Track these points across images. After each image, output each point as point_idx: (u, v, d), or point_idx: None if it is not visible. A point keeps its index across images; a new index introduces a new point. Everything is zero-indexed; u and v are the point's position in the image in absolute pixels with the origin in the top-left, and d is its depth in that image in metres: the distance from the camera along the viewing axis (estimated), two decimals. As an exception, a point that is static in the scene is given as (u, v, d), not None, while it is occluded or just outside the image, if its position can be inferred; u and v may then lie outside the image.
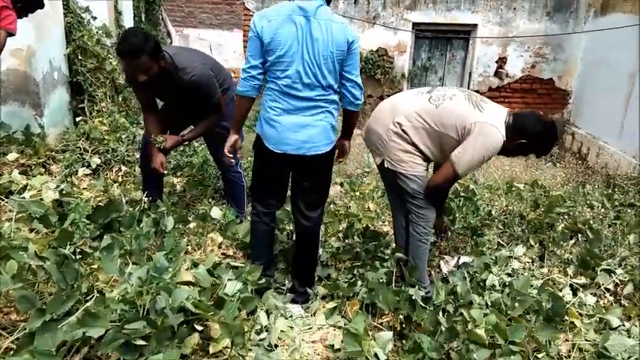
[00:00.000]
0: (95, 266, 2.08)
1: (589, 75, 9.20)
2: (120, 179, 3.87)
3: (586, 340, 2.60)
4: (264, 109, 2.60)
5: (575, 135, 9.27)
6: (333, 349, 2.39)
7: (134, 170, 4.15)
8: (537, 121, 2.69)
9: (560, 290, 3.06)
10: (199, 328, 1.96)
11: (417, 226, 2.81)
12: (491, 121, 2.56)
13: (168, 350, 1.68)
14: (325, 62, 2.42)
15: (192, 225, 3.15)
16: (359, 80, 2.57)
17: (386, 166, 2.77)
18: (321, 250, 3.30)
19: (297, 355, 2.27)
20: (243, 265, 2.77)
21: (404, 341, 2.45)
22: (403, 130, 2.68)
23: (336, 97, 2.59)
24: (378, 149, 2.80)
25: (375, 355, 2.20)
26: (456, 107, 2.64)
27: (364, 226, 3.80)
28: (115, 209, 2.68)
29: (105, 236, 2.26)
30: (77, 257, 2.03)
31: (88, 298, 1.81)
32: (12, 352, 1.65)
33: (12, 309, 1.98)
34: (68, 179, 3.46)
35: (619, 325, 2.79)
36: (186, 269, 2.29)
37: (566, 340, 2.61)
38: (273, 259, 3.03)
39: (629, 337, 2.60)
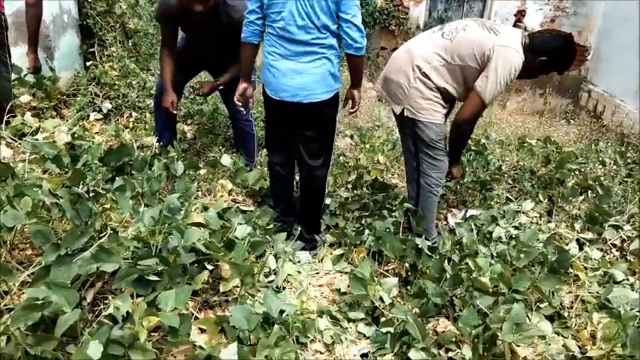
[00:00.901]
0: (108, 206, 2.12)
1: (609, 31, 8.90)
2: (131, 125, 3.88)
3: (589, 292, 2.63)
4: (264, 55, 2.61)
5: (592, 93, 9.08)
6: (339, 293, 2.45)
7: (145, 116, 4.15)
8: (554, 36, 2.69)
9: (567, 244, 3.08)
10: (210, 267, 2.01)
11: (429, 178, 2.82)
12: (509, 43, 2.55)
13: (180, 287, 1.73)
14: (318, 1, 2.38)
15: (202, 171, 3.17)
16: (356, 21, 2.45)
17: (405, 114, 2.75)
18: (329, 200, 3.33)
19: (304, 297, 2.32)
20: (252, 210, 2.80)
21: (409, 287, 2.50)
22: (424, 74, 2.65)
23: (334, 42, 2.54)
24: (398, 98, 2.77)
25: (380, 298, 2.25)
26: (471, 36, 2.61)
27: (373, 177, 3.81)
28: (127, 153, 2.70)
29: (117, 178, 2.28)
30: (90, 196, 2.06)
31: (101, 235, 1.85)
32: (28, 285, 1.71)
33: (27, 245, 2.03)
34: (80, 123, 3.47)
35: (623, 279, 2.82)
36: (197, 212, 2.32)
37: (570, 292, 2.64)
38: (292, 206, 3.06)
39: (633, 291, 2.63)
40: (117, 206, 2.10)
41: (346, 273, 2.68)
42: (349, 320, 2.27)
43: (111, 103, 4.03)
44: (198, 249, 1.98)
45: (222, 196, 2.97)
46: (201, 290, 2.08)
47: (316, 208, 2.94)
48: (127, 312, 1.57)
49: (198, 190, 3.00)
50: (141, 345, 1.53)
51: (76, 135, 3.05)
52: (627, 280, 2.86)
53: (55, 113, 3.72)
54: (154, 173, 2.48)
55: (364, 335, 2.18)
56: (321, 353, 2.04)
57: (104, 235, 1.83)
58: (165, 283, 1.75)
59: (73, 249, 1.72)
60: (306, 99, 2.54)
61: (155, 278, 1.73)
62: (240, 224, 2.32)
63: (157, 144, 3.07)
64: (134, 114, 4.06)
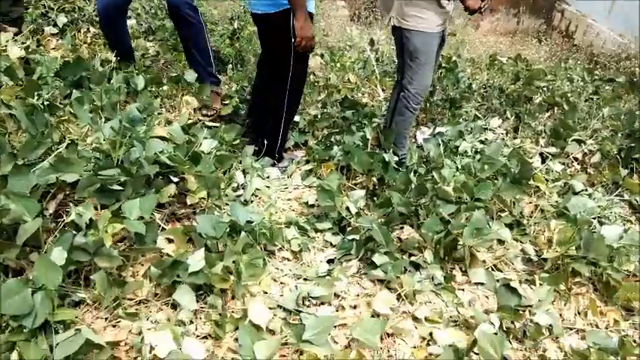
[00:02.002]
0: (66, 118, 2.05)
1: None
2: (88, 40, 3.68)
3: (549, 202, 2.73)
4: None
5: (565, 12, 8.98)
6: (307, 205, 2.48)
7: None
8: None
9: (530, 158, 3.16)
10: (175, 180, 2.00)
11: (407, 92, 2.77)
12: None
13: (145, 197, 1.72)
14: None
15: (165, 87, 3.07)
16: None
17: (392, 23, 2.69)
18: (298, 117, 3.30)
19: (273, 209, 2.35)
20: (218, 126, 2.76)
21: (375, 199, 2.55)
22: None
23: None
24: (388, 7, 2.69)
25: (347, 209, 2.29)
26: None
27: (343, 96, 3.77)
28: (84, 67, 2.58)
29: (74, 91, 2.20)
30: (46, 107, 1.98)
31: (60, 146, 1.80)
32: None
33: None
34: (34, 37, 3.27)
35: (582, 190, 2.93)
36: (160, 126, 2.27)
37: (530, 203, 2.74)
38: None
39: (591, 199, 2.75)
40: (75, 119, 2.03)
41: (315, 187, 2.71)
42: (317, 230, 2.32)
43: (66, 17, 3.79)
44: (162, 162, 1.96)
45: (187, 112, 2.91)
46: (168, 203, 2.08)
47: (274, 125, 2.82)
48: (91, 220, 1.56)
49: (162, 107, 2.92)
50: (106, 252, 1.54)
51: (30, 49, 2.89)
52: (586, 190, 2.97)
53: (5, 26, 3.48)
54: (112, 86, 2.39)
55: (331, 244, 2.24)
56: (288, 260, 2.09)
57: (63, 146, 1.78)
58: (129, 194, 1.74)
59: (31, 159, 1.67)
60: (254, 8, 2.53)
61: (118, 188, 1.71)
62: (206, 138, 2.29)
63: (116, 58, 2.92)
64: (92, 29, 3.84)
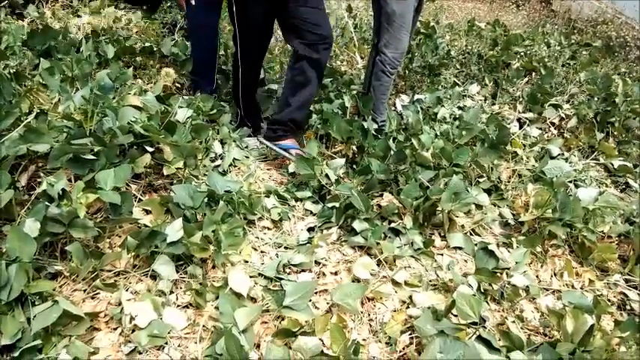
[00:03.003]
0: (35, 87, 1.98)
1: None
2: (57, 10, 3.55)
3: (526, 167, 2.76)
4: None
5: (544, -21, 8.94)
6: (287, 174, 2.47)
7: (72, 2, 3.79)
8: None
9: (508, 124, 3.17)
10: (150, 150, 1.95)
11: (384, 56, 2.74)
12: None
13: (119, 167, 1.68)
14: None
15: (138, 58, 2.99)
16: None
17: None
18: (276, 86, 3.26)
19: (252, 179, 2.33)
20: (195, 96, 2.70)
21: (355, 167, 2.54)
22: None
23: None
24: None
25: (327, 177, 2.28)
26: None
27: (322, 63, 3.71)
28: (53, 36, 2.49)
29: (43, 60, 2.12)
30: (13, 76, 1.91)
31: (29, 116, 1.74)
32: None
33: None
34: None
35: (559, 154, 2.97)
36: (134, 96, 2.21)
37: (508, 168, 2.77)
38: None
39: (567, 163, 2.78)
40: (45, 89, 1.97)
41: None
42: (297, 199, 2.31)
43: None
44: (136, 131, 1.91)
45: (163, 82, 2.83)
46: (144, 174, 2.04)
47: (236, 91, 2.75)
48: (64, 190, 1.53)
49: (136, 78, 2.84)
50: (81, 222, 1.51)
51: (-7, 18, 2.78)
52: (562, 154, 3.01)
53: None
54: (82, 55, 2.31)
55: (311, 212, 2.24)
56: (268, 229, 2.09)
57: (32, 116, 1.72)
58: (103, 164, 1.70)
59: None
60: None
61: (92, 157, 1.67)
62: (181, 108, 2.24)
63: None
64: (60, -2, 3.70)
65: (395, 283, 1.89)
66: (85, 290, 1.57)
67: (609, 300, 2.03)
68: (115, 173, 1.62)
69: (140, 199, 1.94)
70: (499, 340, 1.59)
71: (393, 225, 2.17)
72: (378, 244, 2.02)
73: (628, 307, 2.00)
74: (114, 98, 1.95)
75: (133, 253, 1.63)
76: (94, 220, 1.69)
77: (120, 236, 1.73)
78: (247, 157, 2.56)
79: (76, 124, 1.75)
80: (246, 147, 2.67)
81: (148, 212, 1.89)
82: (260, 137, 2.67)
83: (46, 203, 1.49)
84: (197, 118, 2.30)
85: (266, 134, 2.64)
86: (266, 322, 1.58)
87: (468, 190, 2.28)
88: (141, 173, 2.00)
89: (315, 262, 1.92)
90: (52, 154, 1.60)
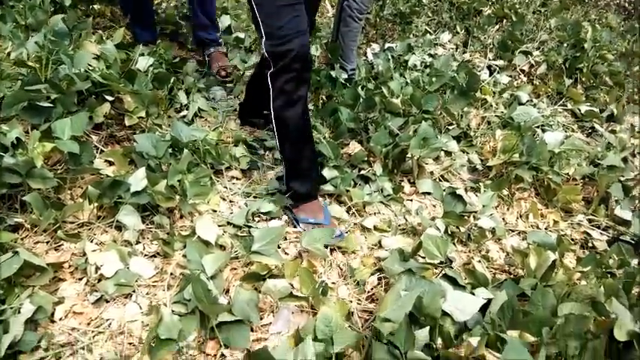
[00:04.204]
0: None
1: None
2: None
3: (495, 114, 2.77)
4: None
5: None
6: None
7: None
8: None
9: (479, 72, 3.16)
10: (110, 99, 1.88)
11: (352, 1, 2.67)
12: None
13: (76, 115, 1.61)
14: None
15: (96, 6, 2.85)
16: None
17: None
18: (243, 34, 3.16)
19: (221, 129, 2.29)
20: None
21: (324, 116, 2.51)
22: None
23: None
24: None
25: (295, 125, 2.25)
26: None
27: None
28: (1, -19, 2.33)
29: (-9, 7, 2.00)
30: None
31: (-23, 64, 1.65)
32: None
33: None
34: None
35: (527, 101, 2.98)
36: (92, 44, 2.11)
37: (477, 115, 2.77)
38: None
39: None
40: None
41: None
42: (266, 148, 2.28)
43: None
44: (95, 80, 1.83)
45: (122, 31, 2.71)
46: (105, 125, 1.98)
47: None
48: (18, 139, 1.46)
49: (96, 29, 2.71)
50: (39, 172, 1.46)
51: None
52: (531, 101, 3.03)
53: None
54: (35, 1, 2.18)
55: (280, 161, 2.21)
56: (237, 179, 2.06)
57: (-20, 64, 1.63)
58: (60, 112, 1.63)
59: (-55, 79, 1.53)
60: None
61: (48, 105, 1.60)
62: (142, 56, 2.15)
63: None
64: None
65: (364, 228, 1.91)
66: (47, 242, 1.53)
67: (572, 239, 2.09)
68: (72, 122, 1.56)
69: (102, 151, 1.88)
70: (465, 278, 1.62)
71: (362, 172, 2.17)
72: (347, 191, 2.02)
73: (590, 245, 2.07)
74: (70, 45, 1.86)
75: (95, 204, 1.59)
76: (54, 171, 1.64)
77: (82, 188, 1.68)
78: (215, 109, 2.50)
79: (30, 71, 1.66)
80: (213, 98, 2.61)
81: (110, 164, 1.83)
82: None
83: (1, 153, 1.43)
84: (159, 66, 2.22)
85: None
86: (235, 269, 1.58)
87: (437, 137, 2.28)
88: (102, 124, 1.93)
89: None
90: (5, 102, 1.53)
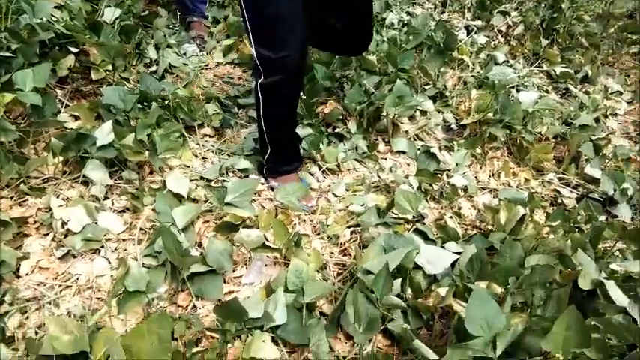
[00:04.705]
0: None
1: None
2: None
3: (472, 74, 2.76)
4: None
5: None
6: (230, 84, 2.37)
7: None
8: None
9: (457, 31, 3.13)
10: (75, 50, 1.81)
11: None
12: None
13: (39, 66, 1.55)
14: None
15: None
16: None
17: None
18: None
19: (192, 85, 2.23)
20: None
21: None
22: None
23: None
24: None
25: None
26: None
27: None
28: None
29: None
30: None
31: None
32: None
33: None
34: None
35: (504, 61, 2.97)
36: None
37: (454, 76, 2.75)
38: None
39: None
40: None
41: (237, 64, 2.58)
42: (239, 106, 2.24)
43: None
44: (58, 31, 1.75)
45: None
46: (71, 78, 1.91)
47: None
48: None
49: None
50: (-1, 124, 1.40)
51: None
52: (508, 62, 3.02)
53: None
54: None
55: (254, 119, 2.18)
56: (210, 137, 2.03)
57: None
58: (21, 63, 1.56)
59: None
60: None
61: (9, 55, 1.53)
62: (108, 7, 2.06)
63: None
64: None
65: (339, 186, 1.90)
66: (11, 198, 1.49)
67: (543, 197, 2.12)
68: (34, 73, 1.50)
69: (68, 105, 1.82)
70: (435, 233, 1.64)
71: (337, 130, 2.15)
72: (322, 149, 2.01)
73: (560, 203, 2.10)
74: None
75: (60, 158, 1.54)
76: (17, 125, 1.57)
77: (46, 142, 1.63)
78: (186, 65, 2.43)
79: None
80: (184, 54, 2.53)
81: (76, 119, 1.78)
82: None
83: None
84: (127, 19, 2.13)
85: None
86: (207, 222, 1.56)
87: (413, 96, 2.27)
88: (67, 77, 1.86)
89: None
90: (-39, 51, 1.45)
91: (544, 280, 1.28)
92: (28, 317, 1.21)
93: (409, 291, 1.37)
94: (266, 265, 1.48)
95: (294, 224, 1.68)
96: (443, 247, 1.54)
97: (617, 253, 1.63)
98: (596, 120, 2.50)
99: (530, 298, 1.27)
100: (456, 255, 1.45)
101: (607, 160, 2.29)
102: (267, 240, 1.50)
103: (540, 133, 2.34)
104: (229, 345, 1.20)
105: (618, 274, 1.39)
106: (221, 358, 1.14)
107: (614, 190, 2.04)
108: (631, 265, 1.46)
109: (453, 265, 1.45)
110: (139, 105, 1.79)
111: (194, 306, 1.32)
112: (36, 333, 1.17)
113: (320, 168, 1.97)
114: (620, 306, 1.15)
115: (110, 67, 1.86)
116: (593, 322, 1.07)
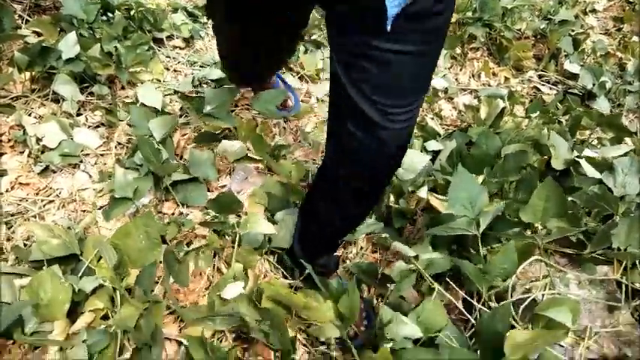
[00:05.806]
0: None
1: None
2: None
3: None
4: None
5: None
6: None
7: None
8: None
9: None
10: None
11: None
12: None
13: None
14: None
15: None
16: None
17: None
18: None
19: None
20: None
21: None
22: None
23: None
24: None
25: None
26: None
27: None
28: None
29: None
30: None
31: None
32: None
33: None
34: None
35: None
36: None
37: None
38: None
39: None
40: None
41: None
42: (205, 22, 2.14)
43: None
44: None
45: None
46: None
47: None
48: None
49: None
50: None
51: None
52: None
53: None
54: None
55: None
56: (180, 48, 1.95)
57: None
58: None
59: None
60: None
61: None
62: None
63: None
64: None
65: (318, 99, 1.87)
66: (-20, 118, 1.44)
67: (523, 95, 2.13)
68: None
69: (28, 21, 1.72)
70: (415, 133, 1.64)
71: (314, 37, 2.08)
72: (299, 57, 1.95)
73: (540, 98, 2.11)
74: None
75: (27, 74, 1.48)
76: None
77: (10, 59, 1.55)
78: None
79: None
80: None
81: (39, 35, 1.69)
82: None
83: None
84: None
85: None
86: (186, 134, 1.54)
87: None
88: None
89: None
90: None
91: (518, 165, 1.29)
92: (14, 231, 1.21)
93: (391, 197, 1.38)
94: (249, 177, 1.47)
95: (274, 134, 1.66)
96: (424, 146, 1.55)
97: (595, 142, 1.67)
98: (576, 17, 2.46)
99: (506, 184, 1.29)
100: (428, 157, 1.44)
101: (586, 56, 2.28)
102: (250, 150, 1.49)
103: (520, 30, 2.30)
104: (226, 237, 1.22)
105: (595, 159, 1.42)
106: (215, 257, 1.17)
107: (593, 85, 2.05)
108: (607, 150, 1.49)
109: (433, 160, 1.47)
110: (103, 17, 1.70)
111: (180, 213, 1.33)
112: (24, 245, 1.17)
113: (301, 78, 1.93)
114: (596, 178, 1.18)
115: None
116: (570, 199, 1.10)
